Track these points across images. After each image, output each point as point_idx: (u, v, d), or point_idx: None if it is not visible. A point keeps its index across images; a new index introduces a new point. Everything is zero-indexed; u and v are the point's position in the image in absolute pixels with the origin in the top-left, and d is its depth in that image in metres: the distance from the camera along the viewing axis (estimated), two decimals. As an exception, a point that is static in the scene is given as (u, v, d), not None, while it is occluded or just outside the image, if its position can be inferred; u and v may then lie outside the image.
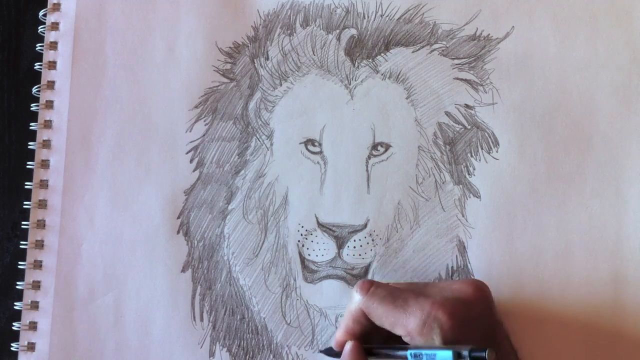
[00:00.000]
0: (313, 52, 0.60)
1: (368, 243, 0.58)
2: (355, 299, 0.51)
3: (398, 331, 0.48)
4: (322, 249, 0.58)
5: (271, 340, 0.58)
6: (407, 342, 0.48)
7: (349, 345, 0.51)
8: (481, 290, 0.50)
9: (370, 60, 0.60)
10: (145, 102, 0.61)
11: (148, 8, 0.62)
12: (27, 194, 0.60)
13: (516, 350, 0.52)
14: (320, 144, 0.60)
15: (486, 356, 0.44)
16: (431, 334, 0.46)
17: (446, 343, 0.46)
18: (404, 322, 0.48)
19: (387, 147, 0.59)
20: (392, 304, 0.49)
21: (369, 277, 0.58)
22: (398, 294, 0.49)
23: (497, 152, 0.59)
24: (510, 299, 0.56)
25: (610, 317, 0.56)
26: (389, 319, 0.49)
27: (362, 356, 0.51)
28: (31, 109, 0.61)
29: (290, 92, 0.60)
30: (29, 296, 0.59)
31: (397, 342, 0.49)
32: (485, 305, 0.50)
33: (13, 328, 0.59)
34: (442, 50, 0.60)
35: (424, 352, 0.46)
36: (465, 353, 0.44)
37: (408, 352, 0.47)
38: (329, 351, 0.54)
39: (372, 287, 0.50)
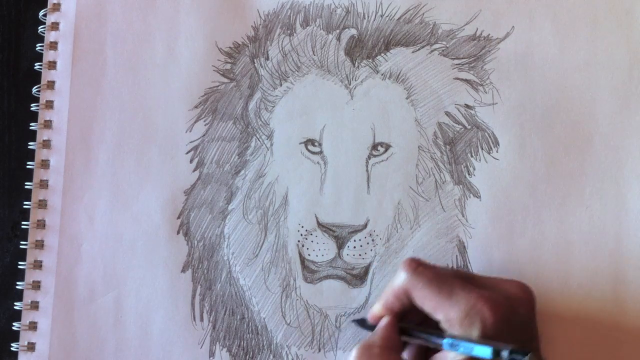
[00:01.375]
0: (313, 52, 0.60)
1: (368, 243, 0.58)
2: (401, 276, 0.49)
3: (438, 316, 0.48)
4: (322, 249, 0.58)
5: (271, 341, 0.58)
6: (442, 329, 0.48)
7: (384, 321, 0.50)
8: (528, 293, 0.50)
9: (370, 60, 0.60)
10: (145, 102, 0.61)
11: (148, 8, 0.62)
12: (27, 194, 0.60)
13: None
14: (320, 144, 0.60)
15: None
16: (472, 326, 0.46)
17: (485, 338, 0.45)
18: (446, 309, 0.47)
19: (387, 147, 0.59)
20: (437, 288, 0.48)
21: (369, 277, 0.58)
22: (444, 280, 0.48)
23: (497, 152, 0.59)
24: (510, 299, 0.56)
25: (611, 316, 0.56)
26: (431, 302, 0.48)
27: (395, 334, 0.50)
28: (31, 109, 0.61)
29: (290, 92, 0.60)
30: (29, 296, 0.59)
31: (431, 327, 0.49)
32: (529, 309, 0.49)
33: (13, 328, 0.59)
34: (442, 50, 0.60)
35: (461, 343, 0.45)
36: (505, 353, 0.43)
37: (445, 341, 0.46)
38: (362, 322, 0.54)
39: (420, 267, 0.49)
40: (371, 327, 0.52)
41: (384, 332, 0.50)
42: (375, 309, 0.52)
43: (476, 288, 0.48)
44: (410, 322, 0.51)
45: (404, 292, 0.49)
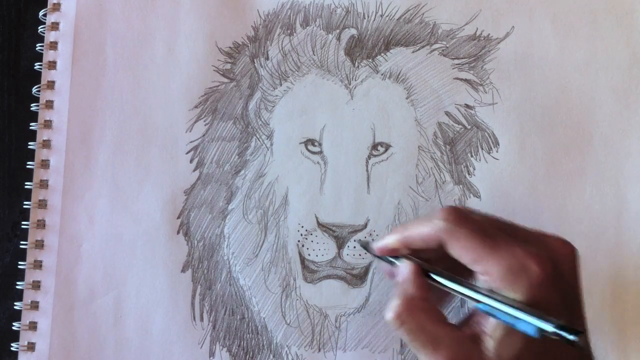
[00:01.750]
0: (313, 52, 0.60)
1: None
2: (437, 224, 0.45)
3: (476, 268, 0.43)
4: (322, 249, 0.58)
5: (271, 340, 0.58)
6: (471, 279, 0.45)
7: (409, 267, 0.46)
8: (573, 250, 0.45)
9: (370, 60, 0.60)
10: (145, 102, 0.61)
11: (148, 8, 0.62)
12: (27, 194, 0.60)
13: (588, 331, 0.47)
14: (320, 144, 0.60)
15: (577, 341, 0.38)
16: (516, 283, 0.42)
17: (531, 299, 0.41)
18: (488, 263, 0.43)
19: (387, 147, 0.59)
20: (480, 239, 0.43)
21: (369, 277, 0.58)
22: (488, 231, 0.44)
23: (497, 152, 0.59)
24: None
25: (610, 316, 0.56)
26: (472, 254, 0.43)
27: (425, 281, 0.45)
28: (31, 109, 0.61)
29: (290, 92, 0.60)
30: (29, 296, 0.59)
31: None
32: (573, 267, 0.45)
33: (13, 328, 0.59)
34: (442, 50, 0.60)
35: (501, 314, 0.40)
36: (550, 328, 0.38)
37: (481, 305, 0.42)
38: (366, 245, 0.51)
39: (462, 218, 0.44)
40: (373, 255, 0.48)
41: (417, 280, 0.45)
42: (390, 241, 0.47)
43: (523, 243, 0.44)
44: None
45: (436, 239, 0.45)
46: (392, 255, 0.48)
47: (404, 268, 0.46)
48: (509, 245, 0.43)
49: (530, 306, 0.41)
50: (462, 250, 0.44)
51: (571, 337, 0.38)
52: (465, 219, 0.45)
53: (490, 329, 0.42)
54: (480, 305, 0.42)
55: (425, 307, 0.44)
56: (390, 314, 0.44)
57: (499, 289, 0.42)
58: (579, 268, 0.46)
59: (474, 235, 0.44)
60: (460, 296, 0.44)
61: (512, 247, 0.43)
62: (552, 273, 0.42)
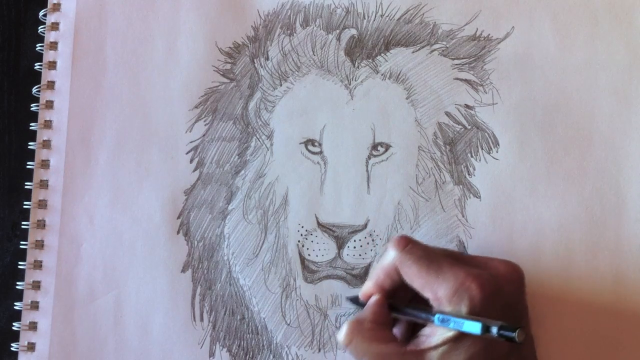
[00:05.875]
0: (313, 52, 0.60)
1: (368, 243, 0.58)
2: (390, 254, 0.50)
3: (427, 294, 0.48)
4: (322, 249, 0.58)
5: (271, 341, 0.58)
6: (431, 306, 0.48)
7: (374, 298, 0.51)
8: (516, 271, 0.50)
9: (370, 60, 0.60)
10: (145, 102, 0.61)
11: (148, 8, 0.62)
12: (27, 194, 0.60)
13: (533, 338, 0.52)
14: (320, 144, 0.60)
15: (516, 336, 0.43)
16: (460, 303, 0.46)
17: (473, 315, 0.46)
18: (434, 287, 0.47)
19: (387, 147, 0.59)
20: (426, 266, 0.48)
21: (369, 277, 0.58)
22: (433, 258, 0.49)
23: (497, 152, 0.59)
24: (510, 299, 0.56)
25: (611, 317, 0.56)
26: (420, 280, 0.48)
27: (385, 310, 0.50)
28: (31, 109, 0.61)
29: (290, 92, 0.60)
30: (29, 296, 0.59)
31: (422, 303, 0.49)
32: (517, 287, 0.50)
33: (13, 328, 0.59)
34: (442, 51, 0.60)
35: (452, 318, 0.45)
36: (494, 329, 0.44)
37: (436, 317, 0.46)
38: (355, 299, 0.54)
39: (409, 245, 0.50)
40: (363, 305, 0.52)
41: (375, 307, 0.50)
42: (366, 287, 0.52)
43: (465, 266, 0.48)
44: (401, 299, 0.51)
45: (394, 269, 0.50)
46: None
47: (370, 300, 0.51)
48: (453, 270, 0.47)
49: None
50: (412, 278, 0.49)
51: (509, 334, 0.43)
52: (412, 246, 0.50)
53: (434, 344, 0.47)
54: (435, 317, 0.46)
55: (372, 328, 0.49)
56: (340, 334, 0.49)
57: (449, 310, 0.47)
58: (523, 289, 0.51)
59: (420, 261, 0.49)
60: (418, 320, 0.49)
61: (455, 270, 0.47)
62: (493, 292, 0.46)
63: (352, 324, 0.49)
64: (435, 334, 0.47)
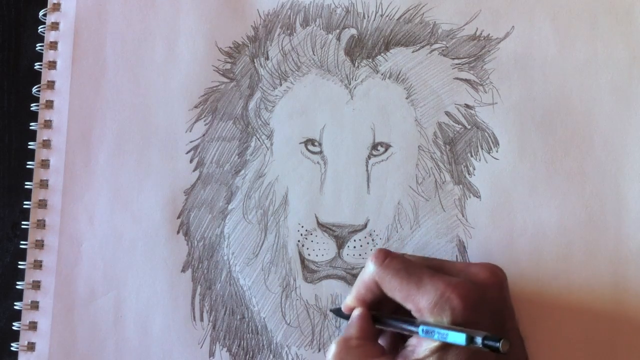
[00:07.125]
0: (313, 52, 0.60)
1: (368, 243, 0.58)
2: (370, 268, 0.50)
3: (408, 306, 0.48)
4: (322, 249, 0.58)
5: (271, 340, 0.58)
6: (414, 317, 0.48)
7: (357, 312, 0.51)
8: (496, 275, 0.50)
9: (370, 60, 0.60)
10: (145, 102, 0.61)
11: (148, 8, 0.62)
12: (27, 194, 0.60)
13: (523, 339, 0.53)
14: (320, 144, 0.60)
15: (500, 347, 0.43)
16: (442, 314, 0.46)
17: (455, 325, 0.46)
18: (416, 299, 0.47)
19: (387, 147, 0.59)
20: (406, 278, 0.48)
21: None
22: (413, 270, 0.49)
23: (497, 152, 0.59)
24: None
25: (611, 317, 0.56)
26: (401, 292, 0.48)
27: (370, 324, 0.51)
28: (31, 109, 0.61)
29: (290, 92, 0.60)
30: (29, 296, 0.59)
31: (405, 314, 0.49)
32: (498, 291, 0.50)
33: (13, 328, 0.59)
34: (442, 50, 0.60)
35: (436, 329, 0.45)
36: (478, 340, 0.44)
37: (420, 328, 0.46)
38: (338, 311, 0.54)
39: (387, 259, 0.50)
40: (347, 317, 0.52)
41: (359, 323, 0.51)
42: (348, 301, 0.52)
43: (445, 276, 0.48)
44: (385, 310, 0.51)
45: (374, 283, 0.50)
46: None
47: (354, 314, 0.51)
48: (433, 281, 0.47)
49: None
50: (393, 291, 0.49)
51: (493, 344, 0.43)
52: (391, 260, 0.50)
53: (422, 356, 0.47)
54: (419, 329, 0.46)
55: (360, 345, 0.49)
56: (328, 355, 0.50)
57: (431, 321, 0.47)
58: (506, 291, 0.51)
59: (400, 274, 0.49)
60: (403, 331, 0.49)
61: (435, 281, 0.47)
62: (475, 300, 0.47)
63: (340, 343, 0.50)
64: (421, 345, 0.47)
